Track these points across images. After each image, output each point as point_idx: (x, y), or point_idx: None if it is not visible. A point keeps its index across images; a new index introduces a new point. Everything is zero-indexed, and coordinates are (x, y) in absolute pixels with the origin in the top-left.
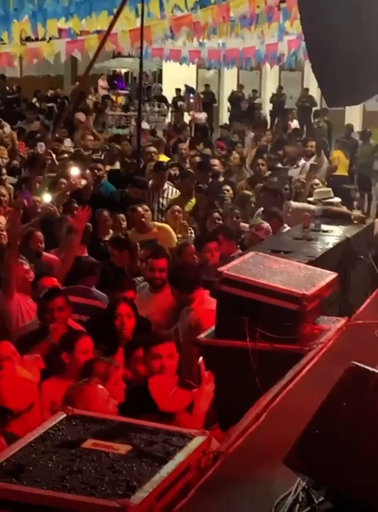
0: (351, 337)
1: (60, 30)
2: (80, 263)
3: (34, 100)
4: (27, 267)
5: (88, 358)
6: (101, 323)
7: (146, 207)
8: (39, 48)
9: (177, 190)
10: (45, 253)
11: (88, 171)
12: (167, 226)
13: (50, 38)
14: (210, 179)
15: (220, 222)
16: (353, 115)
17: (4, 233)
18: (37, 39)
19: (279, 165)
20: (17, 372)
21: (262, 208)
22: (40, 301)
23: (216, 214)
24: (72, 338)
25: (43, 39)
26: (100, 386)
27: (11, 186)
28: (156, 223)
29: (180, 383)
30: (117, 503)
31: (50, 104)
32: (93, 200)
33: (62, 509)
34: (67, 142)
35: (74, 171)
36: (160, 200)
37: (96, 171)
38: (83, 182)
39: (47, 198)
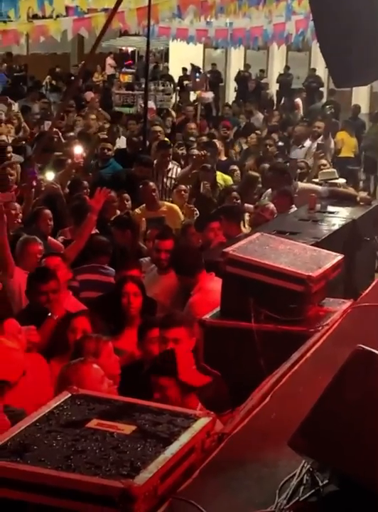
0: (357, 319)
1: (67, 8)
2: (92, 242)
3: (48, 78)
4: (39, 246)
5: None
6: (109, 302)
7: (158, 185)
8: (46, 26)
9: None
10: (50, 238)
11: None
12: (175, 207)
13: (57, 16)
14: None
15: (239, 201)
16: (360, 96)
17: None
18: (44, 17)
19: (280, 143)
20: (4, 343)
21: (270, 189)
22: (32, 281)
23: (235, 193)
24: (69, 318)
25: (50, 17)
26: (95, 366)
27: (19, 165)
28: (166, 203)
29: (197, 366)
30: (121, 484)
31: (60, 83)
32: (99, 179)
33: (66, 489)
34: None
35: (78, 149)
36: (164, 180)
37: (105, 150)
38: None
39: (50, 176)
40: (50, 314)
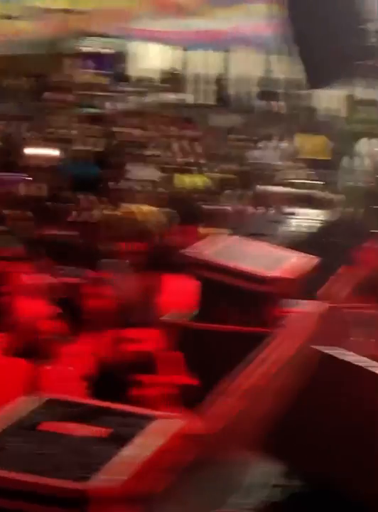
0: (320, 320)
1: (40, 9)
2: (59, 244)
3: (20, 79)
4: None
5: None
6: (74, 304)
7: (122, 186)
8: (18, 26)
9: (156, 171)
10: None
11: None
12: (144, 208)
13: (30, 17)
14: None
15: (207, 203)
16: (330, 99)
17: None
18: (16, 17)
19: (244, 145)
20: None
21: (238, 191)
22: None
23: (203, 195)
24: (33, 321)
25: (22, 17)
26: (59, 367)
27: None
28: (134, 204)
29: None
30: (79, 486)
31: (27, 84)
32: (69, 180)
33: (23, 491)
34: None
35: (48, 151)
36: (132, 182)
37: (75, 151)
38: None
39: (20, 177)
40: (15, 317)
